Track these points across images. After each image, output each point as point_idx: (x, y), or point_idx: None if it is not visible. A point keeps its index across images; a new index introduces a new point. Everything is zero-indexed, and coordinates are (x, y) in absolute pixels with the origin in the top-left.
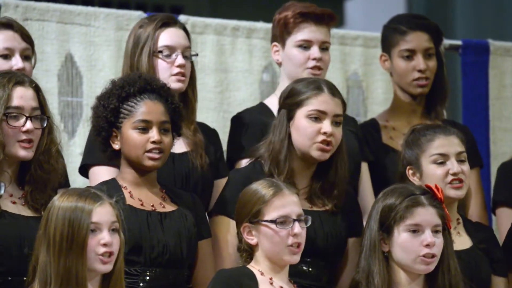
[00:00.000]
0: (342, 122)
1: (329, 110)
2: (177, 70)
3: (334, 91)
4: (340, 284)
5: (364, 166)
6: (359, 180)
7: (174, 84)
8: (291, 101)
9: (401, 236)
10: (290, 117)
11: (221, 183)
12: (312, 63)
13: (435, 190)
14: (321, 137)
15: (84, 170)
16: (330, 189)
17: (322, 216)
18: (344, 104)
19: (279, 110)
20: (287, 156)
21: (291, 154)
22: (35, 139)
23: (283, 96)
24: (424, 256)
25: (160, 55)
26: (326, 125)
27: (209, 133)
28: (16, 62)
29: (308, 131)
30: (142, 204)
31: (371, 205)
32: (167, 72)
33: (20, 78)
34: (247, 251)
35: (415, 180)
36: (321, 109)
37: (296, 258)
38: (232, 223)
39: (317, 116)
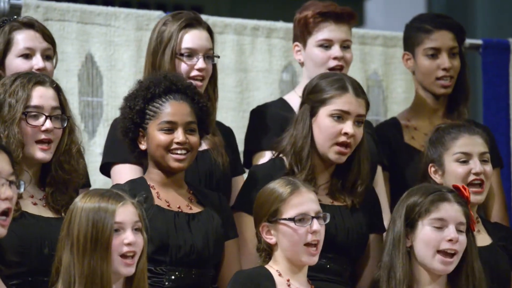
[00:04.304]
0: (364, 122)
1: (353, 111)
2: (196, 73)
3: (358, 91)
4: (361, 281)
5: (379, 169)
6: (374, 182)
7: None
8: (314, 98)
9: (424, 229)
10: (313, 113)
11: (238, 180)
12: (333, 63)
13: (463, 190)
14: (341, 138)
15: (105, 169)
16: (352, 186)
17: (343, 211)
18: (367, 104)
19: (301, 104)
20: (309, 152)
21: (312, 151)
22: (54, 139)
23: (307, 90)
24: (444, 252)
25: (181, 57)
26: (348, 126)
27: (225, 132)
28: (37, 62)
29: (330, 131)
30: (168, 206)
31: (384, 208)
32: (186, 74)
33: (40, 78)
34: (266, 251)
35: (436, 178)
36: (345, 109)
37: (314, 260)
38: (253, 219)
39: (340, 116)
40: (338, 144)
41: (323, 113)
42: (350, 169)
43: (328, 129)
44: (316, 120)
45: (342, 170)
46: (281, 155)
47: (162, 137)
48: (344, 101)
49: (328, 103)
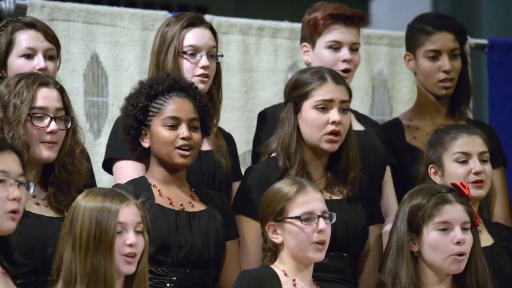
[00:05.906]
0: (349, 109)
1: (336, 98)
2: (200, 71)
3: (338, 78)
4: (363, 276)
5: (387, 169)
6: (383, 182)
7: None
8: (296, 94)
9: (430, 235)
10: (297, 110)
11: (238, 185)
12: (342, 65)
13: (462, 188)
14: (330, 127)
15: (107, 165)
16: (343, 175)
17: (341, 205)
18: (349, 90)
19: (284, 104)
20: (297, 148)
21: (301, 146)
22: (59, 141)
23: (288, 89)
24: (455, 254)
25: (184, 55)
26: (334, 114)
27: (226, 137)
28: (38, 62)
29: (317, 123)
30: (171, 203)
31: (393, 208)
32: (191, 73)
33: (44, 79)
34: (272, 251)
35: (436, 179)
36: (327, 98)
37: (321, 256)
38: (251, 221)
39: (324, 106)
40: (327, 134)
41: (307, 106)
42: (340, 159)
43: (315, 121)
44: (302, 116)
45: (335, 162)
46: (273, 155)
47: (166, 134)
48: (325, 91)
49: (310, 95)
